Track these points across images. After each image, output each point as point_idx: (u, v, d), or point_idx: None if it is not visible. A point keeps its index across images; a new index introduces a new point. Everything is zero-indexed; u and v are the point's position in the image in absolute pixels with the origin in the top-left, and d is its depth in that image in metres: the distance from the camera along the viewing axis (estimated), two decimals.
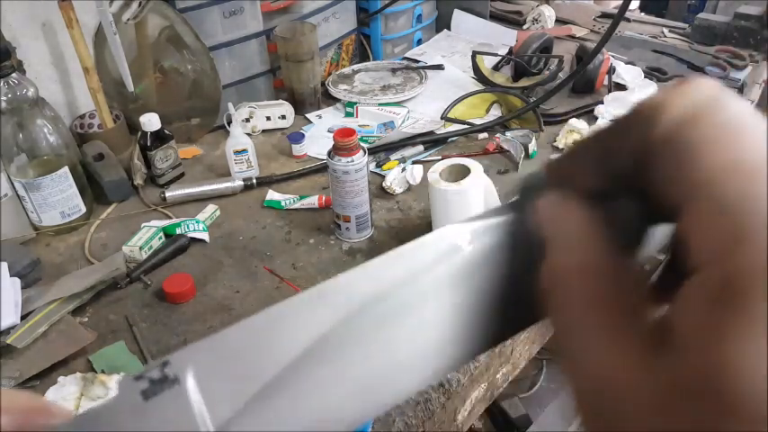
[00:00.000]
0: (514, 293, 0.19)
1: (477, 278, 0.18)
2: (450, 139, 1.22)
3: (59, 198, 0.99)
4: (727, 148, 0.15)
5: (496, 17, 1.66)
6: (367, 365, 0.17)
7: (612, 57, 1.40)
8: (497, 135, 1.20)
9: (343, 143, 0.90)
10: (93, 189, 1.07)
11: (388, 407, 0.18)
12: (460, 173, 0.91)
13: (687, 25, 1.65)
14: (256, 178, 1.11)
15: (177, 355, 0.16)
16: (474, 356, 0.18)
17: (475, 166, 0.91)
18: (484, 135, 1.23)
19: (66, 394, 0.73)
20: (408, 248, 0.19)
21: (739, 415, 0.12)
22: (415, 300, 0.18)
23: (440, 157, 1.16)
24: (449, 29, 1.62)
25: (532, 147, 1.15)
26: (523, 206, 0.19)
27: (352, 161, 0.91)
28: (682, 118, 0.16)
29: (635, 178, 0.17)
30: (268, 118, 1.28)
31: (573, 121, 1.19)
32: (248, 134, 1.18)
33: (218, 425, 0.15)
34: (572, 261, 0.17)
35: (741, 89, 1.37)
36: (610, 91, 1.31)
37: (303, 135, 1.21)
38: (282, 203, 1.06)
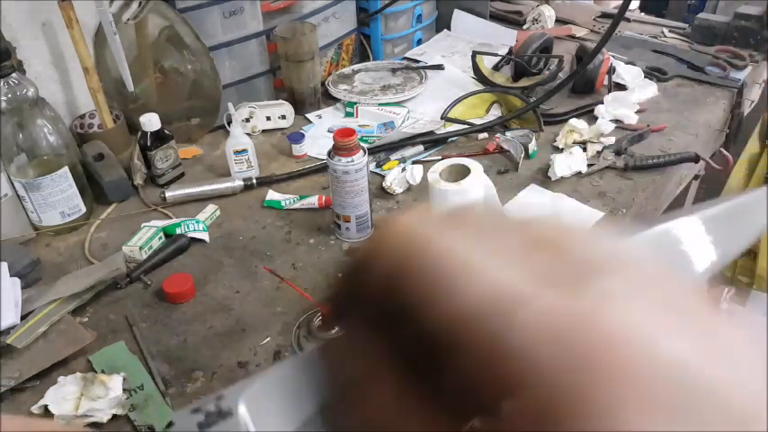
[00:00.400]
0: None
1: None
2: (450, 139, 1.22)
3: (59, 198, 0.99)
4: (444, 299, 0.14)
5: (496, 17, 1.66)
6: None
7: (612, 57, 1.40)
8: (497, 135, 1.20)
9: (343, 143, 0.90)
10: (93, 189, 1.07)
11: None
12: (460, 173, 0.91)
13: (687, 25, 1.65)
14: (256, 178, 1.11)
15: (230, 390, 0.18)
16: None
17: (475, 166, 0.91)
18: (484, 135, 1.23)
19: (66, 394, 0.73)
20: None
21: None
22: None
23: (440, 157, 1.15)
24: (449, 29, 1.62)
25: (532, 147, 1.15)
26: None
27: (352, 161, 0.91)
28: (391, 275, 0.15)
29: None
30: (268, 118, 1.28)
31: (573, 121, 1.19)
32: (248, 134, 1.18)
33: None
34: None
35: (741, 89, 1.37)
36: (610, 91, 1.31)
37: (303, 135, 1.21)
38: (282, 203, 1.06)
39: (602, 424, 0.11)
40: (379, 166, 1.15)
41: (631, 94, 1.31)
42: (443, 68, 1.45)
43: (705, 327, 0.13)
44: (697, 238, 0.21)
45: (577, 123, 1.18)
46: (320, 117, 1.33)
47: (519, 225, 0.16)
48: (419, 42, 1.57)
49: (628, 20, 1.70)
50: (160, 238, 0.98)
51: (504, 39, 1.53)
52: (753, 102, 1.50)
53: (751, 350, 0.13)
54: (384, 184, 1.08)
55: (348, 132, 0.90)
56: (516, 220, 0.16)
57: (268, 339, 0.83)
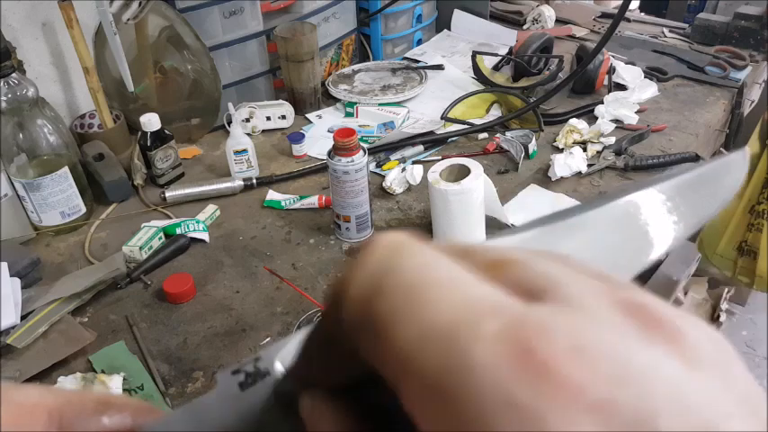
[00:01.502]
0: None
1: None
2: (450, 139, 1.22)
3: (59, 198, 0.99)
4: (413, 316, 0.14)
5: (496, 17, 1.66)
6: None
7: (612, 57, 1.40)
8: (497, 135, 1.20)
9: (343, 143, 0.90)
10: (93, 189, 1.07)
11: None
12: (460, 173, 0.91)
13: (687, 25, 1.65)
14: (256, 178, 1.11)
15: (266, 351, 0.19)
16: None
17: (475, 166, 0.91)
18: (484, 135, 1.23)
19: None
20: None
21: None
22: None
23: (440, 157, 1.16)
24: (449, 29, 1.62)
25: (532, 147, 1.15)
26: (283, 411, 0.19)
27: (352, 161, 0.91)
28: (364, 295, 0.15)
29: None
30: (268, 118, 1.28)
31: (573, 121, 1.19)
32: (248, 134, 1.18)
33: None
34: None
35: (741, 89, 1.37)
36: (610, 91, 1.31)
37: (303, 135, 1.21)
38: (282, 203, 1.06)
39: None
40: (379, 166, 1.15)
41: (631, 94, 1.31)
42: (443, 68, 1.45)
43: (658, 322, 0.13)
44: (660, 212, 0.21)
45: (577, 123, 1.19)
46: (320, 117, 1.33)
47: (483, 248, 0.17)
48: (419, 42, 1.57)
49: (628, 20, 1.70)
50: (160, 238, 0.98)
51: (504, 39, 1.53)
52: (753, 102, 1.50)
53: (712, 347, 0.13)
54: (384, 184, 1.08)
55: (348, 132, 0.90)
56: (480, 245, 0.17)
57: (268, 339, 0.83)
